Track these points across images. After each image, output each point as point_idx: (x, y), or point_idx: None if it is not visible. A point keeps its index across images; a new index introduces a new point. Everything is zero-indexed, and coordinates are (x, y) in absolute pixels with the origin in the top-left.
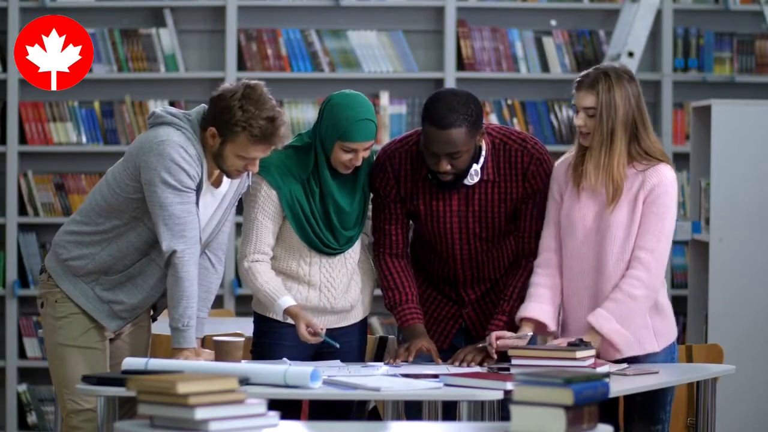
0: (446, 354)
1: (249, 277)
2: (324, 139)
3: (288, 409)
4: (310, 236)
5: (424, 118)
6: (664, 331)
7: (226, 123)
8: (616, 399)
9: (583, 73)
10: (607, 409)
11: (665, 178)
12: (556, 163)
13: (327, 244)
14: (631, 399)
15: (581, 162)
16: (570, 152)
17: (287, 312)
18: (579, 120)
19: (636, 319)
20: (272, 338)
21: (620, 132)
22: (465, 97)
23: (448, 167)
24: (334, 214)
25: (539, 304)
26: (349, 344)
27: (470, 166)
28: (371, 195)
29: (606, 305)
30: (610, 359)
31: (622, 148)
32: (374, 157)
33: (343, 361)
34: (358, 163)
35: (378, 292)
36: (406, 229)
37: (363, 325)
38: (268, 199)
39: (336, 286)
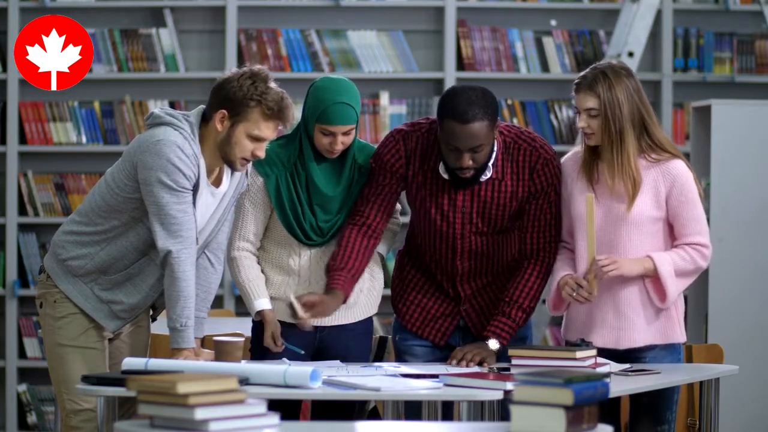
0: (444, 353)
1: (233, 267)
2: (307, 122)
3: (287, 409)
4: (292, 224)
5: (445, 115)
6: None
7: (239, 101)
8: (618, 399)
9: (581, 74)
10: (609, 409)
11: (682, 169)
12: (563, 160)
13: (309, 236)
14: (637, 399)
15: (591, 159)
16: (574, 150)
17: (260, 315)
18: (582, 122)
19: (682, 284)
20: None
21: (629, 129)
22: (481, 91)
23: (470, 162)
24: (316, 199)
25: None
26: (346, 344)
27: (489, 160)
28: (372, 168)
29: (671, 254)
30: (653, 306)
31: (634, 145)
32: (369, 154)
33: (341, 362)
34: (338, 147)
35: (387, 292)
36: (389, 210)
37: (366, 326)
38: (254, 186)
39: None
